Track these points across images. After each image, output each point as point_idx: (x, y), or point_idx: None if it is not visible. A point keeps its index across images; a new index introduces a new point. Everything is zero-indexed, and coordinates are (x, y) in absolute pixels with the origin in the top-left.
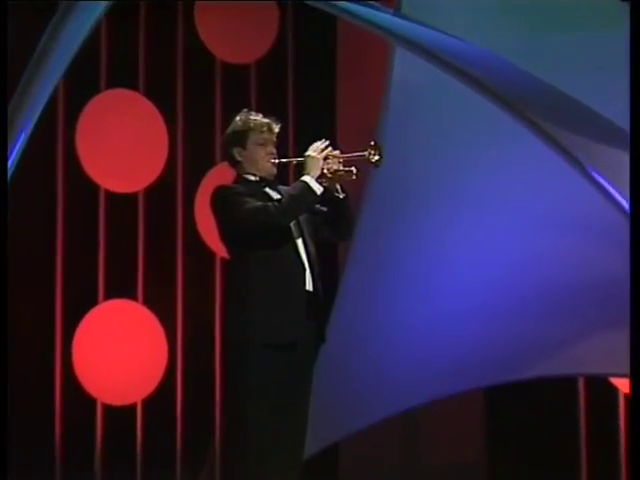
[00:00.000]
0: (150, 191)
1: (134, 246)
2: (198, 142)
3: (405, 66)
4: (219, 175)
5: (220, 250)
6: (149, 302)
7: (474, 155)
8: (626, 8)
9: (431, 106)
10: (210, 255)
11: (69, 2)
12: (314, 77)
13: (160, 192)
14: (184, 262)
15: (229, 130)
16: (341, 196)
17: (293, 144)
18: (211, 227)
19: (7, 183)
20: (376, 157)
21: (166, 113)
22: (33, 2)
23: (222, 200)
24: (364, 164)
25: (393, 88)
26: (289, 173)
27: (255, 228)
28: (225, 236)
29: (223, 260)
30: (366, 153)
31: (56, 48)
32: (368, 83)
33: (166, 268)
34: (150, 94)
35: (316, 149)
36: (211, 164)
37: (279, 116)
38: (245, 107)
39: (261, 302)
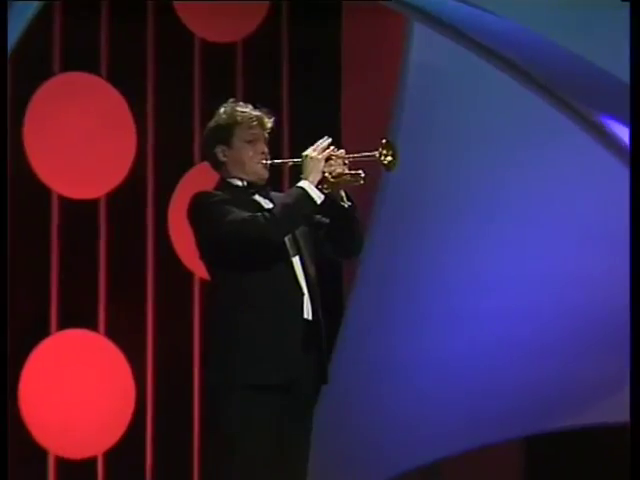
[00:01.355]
0: (113, 197)
1: (94, 264)
2: (173, 138)
3: (425, 48)
4: (198, 179)
5: (199, 270)
6: (112, 333)
7: (507, 155)
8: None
9: (455, 96)
10: (187, 276)
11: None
12: (314, 60)
13: (126, 199)
14: (155, 284)
15: (211, 124)
16: (346, 205)
17: (288, 142)
18: (188, 242)
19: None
20: (388, 158)
21: (134, 102)
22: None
23: (202, 209)
24: (374, 166)
25: (410, 75)
26: (284, 177)
27: (242, 244)
28: (205, 253)
29: (203, 282)
30: (376, 153)
31: None
32: (379, 69)
33: (133, 291)
34: (115, 79)
35: (316, 148)
36: (189, 165)
37: (272, 108)
38: (230, 96)
39: (249, 334)
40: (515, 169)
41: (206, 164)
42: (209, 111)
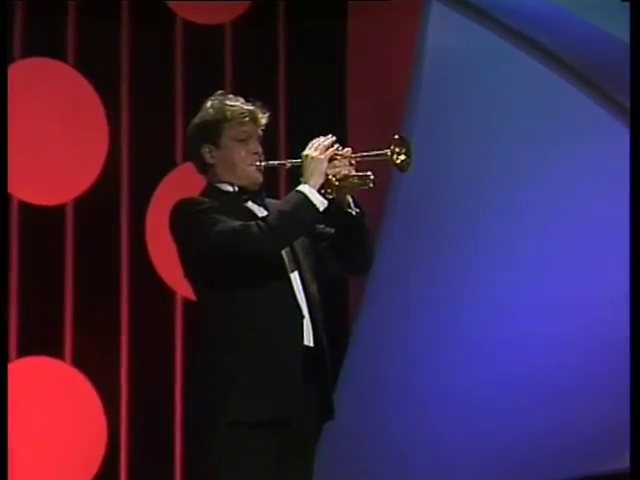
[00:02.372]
0: (82, 203)
1: (59, 281)
2: (151, 136)
3: (443, 32)
4: (180, 183)
5: (182, 288)
6: (80, 361)
7: (540, 153)
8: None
9: (475, 87)
10: (168, 295)
11: None
12: (315, 46)
13: (96, 205)
14: (130, 304)
15: (196, 120)
16: (354, 212)
17: (285, 140)
18: (170, 256)
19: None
20: (401, 157)
21: (107, 93)
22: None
23: (186, 219)
24: (385, 167)
25: (426, 63)
26: (280, 181)
27: (232, 258)
28: (190, 269)
29: (186, 302)
30: (388, 152)
31: None
32: (390, 56)
33: (105, 313)
34: (84, 66)
35: (318, 147)
36: (170, 166)
37: (267, 101)
38: (218, 88)
39: (240, 362)
40: (556, 171)
41: (190, 165)
42: (194, 105)
